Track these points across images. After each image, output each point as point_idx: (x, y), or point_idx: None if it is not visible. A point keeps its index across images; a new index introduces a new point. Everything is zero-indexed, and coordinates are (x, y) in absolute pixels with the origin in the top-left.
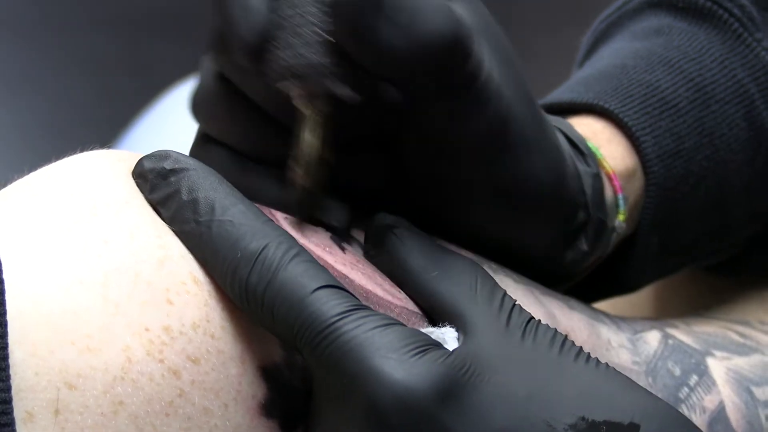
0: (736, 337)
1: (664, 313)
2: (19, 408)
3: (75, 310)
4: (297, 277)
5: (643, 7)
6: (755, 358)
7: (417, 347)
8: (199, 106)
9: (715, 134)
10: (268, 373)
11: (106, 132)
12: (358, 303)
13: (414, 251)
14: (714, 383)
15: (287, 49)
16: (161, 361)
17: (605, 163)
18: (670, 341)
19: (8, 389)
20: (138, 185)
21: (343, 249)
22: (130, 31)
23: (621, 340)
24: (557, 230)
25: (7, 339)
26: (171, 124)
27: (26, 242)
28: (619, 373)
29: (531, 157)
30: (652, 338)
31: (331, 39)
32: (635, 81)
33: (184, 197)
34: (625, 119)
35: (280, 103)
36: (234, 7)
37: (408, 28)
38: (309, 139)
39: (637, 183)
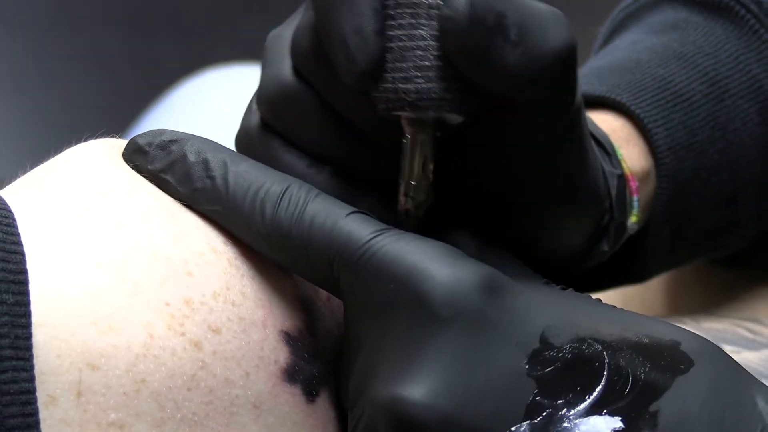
0: (745, 333)
1: (674, 310)
2: (41, 392)
3: (94, 292)
4: (327, 207)
5: (661, 0)
6: (765, 353)
7: (458, 255)
8: (277, 105)
9: (729, 128)
10: (290, 337)
11: (112, 128)
12: (390, 226)
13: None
14: None
15: (398, 73)
16: (183, 334)
17: (624, 164)
18: None
19: (32, 379)
20: (134, 160)
21: None
22: (136, 27)
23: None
24: (589, 230)
25: (30, 329)
26: (177, 120)
27: (42, 231)
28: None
29: (589, 155)
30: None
31: (444, 63)
32: (649, 75)
33: (192, 158)
34: (638, 111)
35: (378, 124)
36: (346, 31)
37: (533, 45)
38: (416, 161)
39: (651, 185)
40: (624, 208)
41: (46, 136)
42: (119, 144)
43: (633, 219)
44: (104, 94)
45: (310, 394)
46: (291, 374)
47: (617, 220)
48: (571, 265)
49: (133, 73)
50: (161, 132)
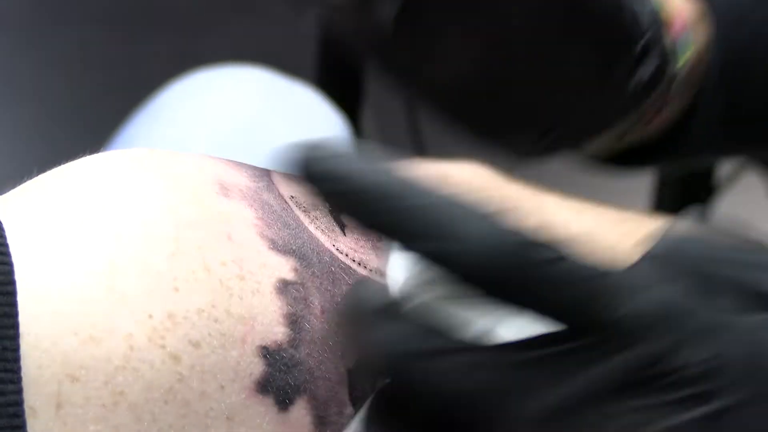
0: None
1: None
2: (24, 402)
3: (79, 301)
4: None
5: None
6: None
7: None
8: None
9: None
10: (268, 351)
11: (100, 128)
12: None
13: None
14: None
15: None
16: (162, 347)
17: (666, 6)
18: None
19: (20, 391)
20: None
21: (344, 232)
22: (124, 27)
23: None
24: (612, 53)
25: (18, 340)
26: (166, 121)
27: (35, 238)
28: None
29: None
30: None
31: None
32: None
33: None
34: None
35: None
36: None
37: None
38: None
39: (701, 34)
40: (662, 48)
41: (34, 136)
42: (142, 155)
43: (682, 61)
44: (91, 95)
45: (283, 403)
46: (264, 385)
47: (652, 54)
48: (607, 91)
49: (121, 75)
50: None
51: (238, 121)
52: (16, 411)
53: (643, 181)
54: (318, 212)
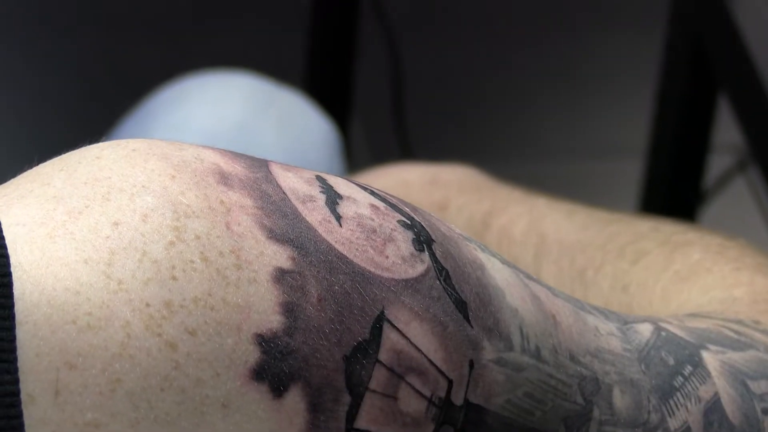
0: (730, 333)
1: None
2: (21, 391)
3: (77, 289)
4: None
5: None
6: (750, 353)
7: None
8: None
9: None
10: (263, 338)
11: (88, 133)
12: None
13: None
14: (708, 374)
15: None
16: (159, 335)
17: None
18: (663, 333)
19: (16, 381)
20: None
21: (340, 223)
22: (113, 32)
23: (609, 329)
24: None
25: (14, 331)
26: (155, 126)
27: (33, 228)
28: None
29: None
30: (644, 329)
31: None
32: None
33: None
34: None
35: None
36: None
37: None
38: None
39: None
40: None
41: (19, 142)
42: (142, 145)
43: None
44: (79, 100)
45: (278, 390)
46: (259, 373)
47: None
48: None
49: (110, 80)
50: None
51: (227, 127)
52: (12, 401)
53: (631, 186)
54: (315, 203)
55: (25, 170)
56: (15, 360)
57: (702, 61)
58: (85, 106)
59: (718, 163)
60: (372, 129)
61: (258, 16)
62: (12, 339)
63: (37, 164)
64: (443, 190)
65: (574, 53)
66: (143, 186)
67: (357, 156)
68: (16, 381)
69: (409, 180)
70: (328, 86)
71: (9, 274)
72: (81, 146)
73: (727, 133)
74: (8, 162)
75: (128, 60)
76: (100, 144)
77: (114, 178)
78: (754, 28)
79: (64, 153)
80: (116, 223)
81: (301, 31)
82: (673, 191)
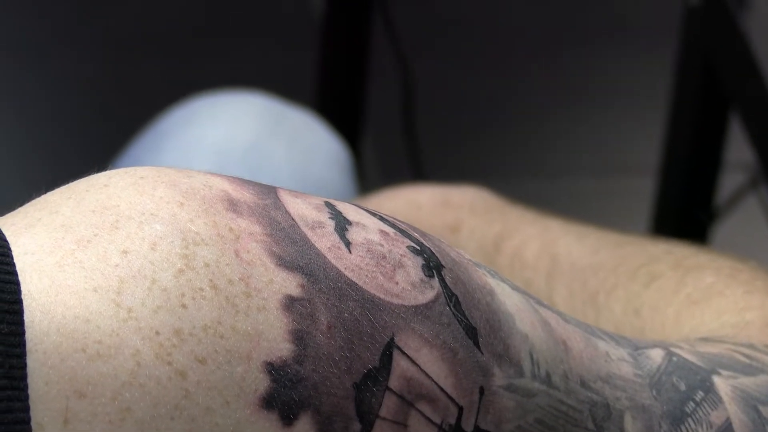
0: (741, 358)
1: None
2: (31, 419)
3: (87, 317)
4: None
5: None
6: (761, 378)
7: None
8: None
9: None
10: (273, 366)
11: (99, 154)
12: None
13: None
14: (720, 400)
15: None
16: (169, 363)
17: None
18: (674, 358)
19: (27, 409)
20: None
21: (350, 250)
22: (123, 53)
23: (620, 354)
24: None
25: (25, 359)
26: (166, 147)
27: (42, 257)
28: None
29: None
30: (656, 355)
31: None
32: None
33: None
34: None
35: None
36: None
37: None
38: None
39: None
40: None
41: (28, 163)
42: (150, 173)
43: None
44: (91, 121)
45: (287, 419)
46: (269, 401)
47: None
48: None
49: (121, 100)
50: None
51: (239, 147)
52: (23, 429)
53: (643, 204)
54: (324, 229)
55: (33, 198)
56: (26, 387)
57: (713, 79)
58: (97, 126)
59: (729, 180)
60: (383, 149)
61: (269, 35)
62: (23, 366)
63: (45, 192)
64: (455, 212)
65: (586, 72)
66: (152, 214)
67: (368, 176)
68: (27, 409)
69: (421, 202)
70: (339, 106)
71: (20, 301)
72: (89, 173)
73: (738, 151)
74: (20, 183)
75: (139, 80)
76: (108, 172)
77: (122, 206)
78: (765, 46)
79: (75, 177)
80: (125, 252)
81: (313, 50)
82: (686, 209)
